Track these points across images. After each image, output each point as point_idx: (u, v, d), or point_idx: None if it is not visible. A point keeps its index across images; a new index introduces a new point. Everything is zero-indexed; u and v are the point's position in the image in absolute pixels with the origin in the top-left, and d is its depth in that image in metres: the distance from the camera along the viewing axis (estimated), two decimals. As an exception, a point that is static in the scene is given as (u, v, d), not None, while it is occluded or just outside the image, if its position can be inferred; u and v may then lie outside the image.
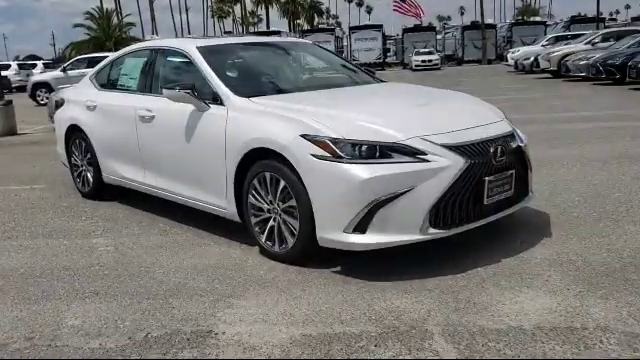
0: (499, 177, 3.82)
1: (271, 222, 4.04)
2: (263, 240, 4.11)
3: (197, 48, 4.92)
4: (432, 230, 3.57)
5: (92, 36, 50.23)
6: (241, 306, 3.40)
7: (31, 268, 4.28)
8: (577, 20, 44.99)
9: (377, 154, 3.56)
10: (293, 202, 3.81)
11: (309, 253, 3.87)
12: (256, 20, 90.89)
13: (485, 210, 3.81)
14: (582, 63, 18.92)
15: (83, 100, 6.11)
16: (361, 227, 3.52)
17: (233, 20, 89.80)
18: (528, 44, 35.27)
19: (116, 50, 15.96)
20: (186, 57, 4.98)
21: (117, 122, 5.56)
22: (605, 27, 36.62)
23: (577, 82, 19.39)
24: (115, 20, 53.64)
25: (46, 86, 22.66)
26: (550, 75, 22.64)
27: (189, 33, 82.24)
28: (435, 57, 40.21)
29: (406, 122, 3.83)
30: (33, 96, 23.06)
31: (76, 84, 6.90)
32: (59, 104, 6.76)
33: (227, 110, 4.35)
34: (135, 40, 50.06)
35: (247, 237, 4.36)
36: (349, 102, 4.53)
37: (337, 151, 3.58)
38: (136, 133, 5.26)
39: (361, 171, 3.50)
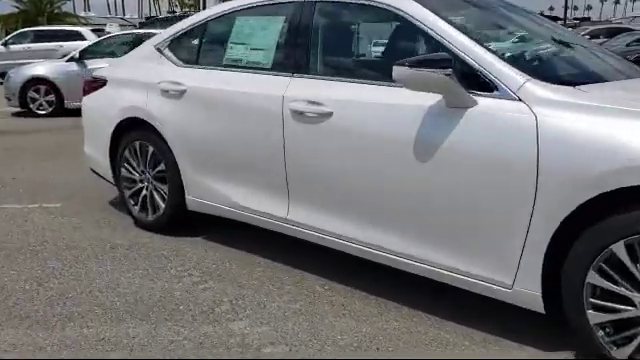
0: None
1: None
2: None
3: (418, 1, 2.90)
4: None
5: (21, 9, 45.78)
6: None
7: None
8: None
9: None
10: None
11: None
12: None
13: None
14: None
15: (153, 82, 3.93)
16: None
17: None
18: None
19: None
20: (389, 14, 2.96)
21: (233, 119, 3.46)
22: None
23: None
24: (48, -7, 49.13)
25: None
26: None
27: (123, 12, 77.49)
28: None
29: None
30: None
31: (125, 56, 4.65)
32: (94, 85, 4.50)
33: (530, 108, 2.38)
34: (70, 17, 45.98)
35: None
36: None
37: None
38: (281, 140, 3.20)
39: None
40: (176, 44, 4.03)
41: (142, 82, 4.01)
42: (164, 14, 52.97)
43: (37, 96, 10.59)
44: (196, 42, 3.95)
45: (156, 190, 4.05)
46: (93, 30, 18.36)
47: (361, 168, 2.89)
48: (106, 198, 4.94)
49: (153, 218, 4.10)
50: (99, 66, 10.22)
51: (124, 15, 64.41)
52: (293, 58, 3.28)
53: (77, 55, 10.51)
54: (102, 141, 4.33)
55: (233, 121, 3.45)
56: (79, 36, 17.47)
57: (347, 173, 2.96)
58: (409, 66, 2.51)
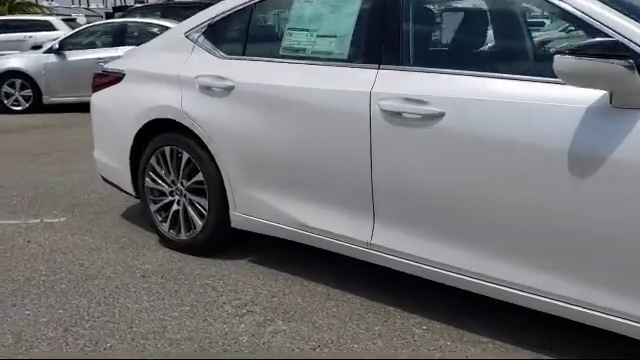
0: None
1: None
2: None
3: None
4: None
5: (-21, -2, 43.81)
6: None
7: None
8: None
9: None
10: None
11: None
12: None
13: None
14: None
15: (189, 76, 3.27)
16: None
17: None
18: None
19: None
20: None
21: (299, 122, 2.84)
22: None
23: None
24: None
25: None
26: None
27: (88, 3, 75.12)
28: None
29: None
30: None
31: (143, 46, 3.97)
32: (107, 80, 3.81)
33: None
34: (33, 6, 43.98)
35: None
36: None
37: None
38: (367, 147, 2.60)
39: None
40: (214, 31, 3.37)
41: (173, 76, 3.35)
42: (133, 4, 51.36)
43: (12, 91, 9.72)
44: (241, 29, 3.30)
45: (191, 204, 3.40)
46: (65, 20, 17.31)
47: (484, 184, 2.31)
48: (118, 210, 4.27)
49: (187, 237, 3.45)
50: (80, 58, 9.48)
51: (89, 5, 62.41)
52: (379, 45, 2.66)
53: (57, 46, 9.66)
54: (120, 146, 3.65)
55: (299, 124, 2.83)
56: (50, 26, 16.46)
57: (463, 190, 2.37)
58: (576, 55, 1.93)
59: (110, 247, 3.63)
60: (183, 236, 3.47)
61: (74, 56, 9.57)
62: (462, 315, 2.68)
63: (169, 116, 3.34)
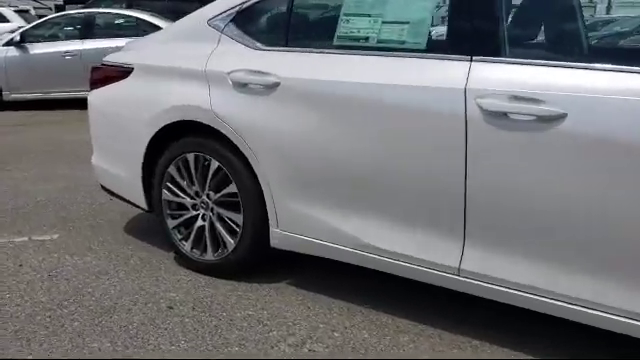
0: None
1: None
2: None
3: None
4: None
5: None
6: None
7: None
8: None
9: None
10: None
11: None
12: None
13: None
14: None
15: (219, 71, 2.78)
16: None
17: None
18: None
19: None
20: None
21: (369, 124, 2.39)
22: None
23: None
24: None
25: None
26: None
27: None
28: None
29: None
30: None
31: (151, 37, 3.44)
32: (110, 75, 3.28)
33: None
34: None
35: None
36: None
37: None
38: (460, 153, 2.18)
39: None
40: (246, 18, 2.88)
41: (198, 72, 2.85)
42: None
43: (-32, 87, 8.90)
44: (282, 14, 2.82)
45: (220, 220, 2.91)
46: (17, 12, 16.31)
47: (619, 202, 1.91)
48: (117, 223, 3.75)
49: (215, 258, 2.97)
50: (45, 51, 8.72)
51: (36, -3, 60.04)
52: (471, 31, 2.23)
53: (17, 38, 8.88)
54: (129, 152, 3.13)
55: (368, 128, 2.38)
56: (1, 18, 15.51)
57: (589, 208, 1.98)
58: None
59: (120, 270, 3.11)
60: (209, 256, 2.98)
61: (38, 49, 8.83)
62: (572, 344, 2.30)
63: (195, 118, 2.84)
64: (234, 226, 2.88)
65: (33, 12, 19.37)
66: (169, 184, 3.04)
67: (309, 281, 2.92)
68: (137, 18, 9.09)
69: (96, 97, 3.36)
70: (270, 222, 2.76)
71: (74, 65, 8.59)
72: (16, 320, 2.60)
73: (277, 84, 2.61)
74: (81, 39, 8.85)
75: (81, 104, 8.42)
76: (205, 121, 2.81)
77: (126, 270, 3.10)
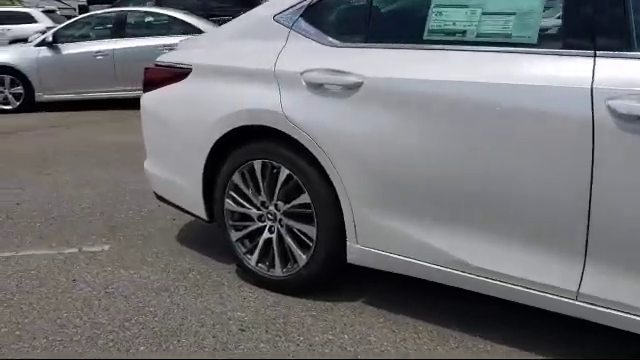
0: None
1: None
2: None
3: None
4: None
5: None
6: None
7: None
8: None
9: None
10: None
11: None
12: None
13: None
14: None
15: (291, 71, 2.53)
16: None
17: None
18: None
19: None
20: None
21: (473, 129, 2.11)
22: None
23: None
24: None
25: None
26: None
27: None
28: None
29: None
30: None
31: (209, 35, 3.21)
32: (166, 76, 3.05)
33: None
34: (1, -1, 42.11)
35: None
36: None
37: None
38: (586, 162, 1.90)
39: None
40: (318, 13, 2.63)
41: (267, 72, 2.61)
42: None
43: (1, 88, 8.80)
44: (360, 7, 2.56)
45: (290, 232, 2.67)
46: (45, 12, 16.28)
47: None
48: (169, 232, 3.55)
49: (285, 274, 2.73)
50: (77, 51, 8.55)
51: (59, -3, 60.53)
52: (593, 23, 1.95)
53: (50, 38, 8.75)
54: (188, 159, 2.91)
55: (473, 134, 2.12)
56: (30, 19, 15.47)
57: None
58: None
59: (180, 286, 2.88)
60: (278, 272, 2.75)
61: (70, 49, 8.69)
62: None
63: (263, 122, 2.61)
64: (308, 240, 2.63)
65: (59, 12, 19.38)
66: (233, 193, 2.81)
67: (385, 298, 2.68)
68: (169, 16, 8.91)
69: (150, 100, 3.14)
70: (347, 235, 2.52)
71: (106, 65, 8.45)
72: (77, 344, 2.40)
73: (359, 84, 2.35)
74: (114, 38, 8.68)
75: (114, 104, 8.35)
76: (276, 126, 2.57)
77: (186, 286, 2.88)
